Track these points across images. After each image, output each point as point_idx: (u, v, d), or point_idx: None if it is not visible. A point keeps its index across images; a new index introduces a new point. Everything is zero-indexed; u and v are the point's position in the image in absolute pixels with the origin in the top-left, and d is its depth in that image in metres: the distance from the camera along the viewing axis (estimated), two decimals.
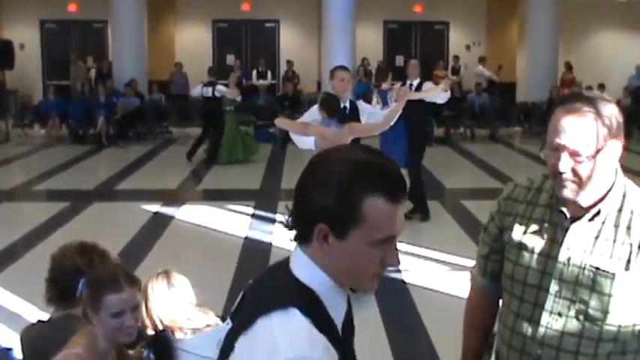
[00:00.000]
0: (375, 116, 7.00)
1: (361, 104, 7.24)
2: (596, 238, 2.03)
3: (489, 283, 2.33)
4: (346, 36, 17.34)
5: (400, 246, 1.57)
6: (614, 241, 2.02)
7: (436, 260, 7.29)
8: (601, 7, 22.19)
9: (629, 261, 1.99)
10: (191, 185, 11.93)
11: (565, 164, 1.96)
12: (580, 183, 1.98)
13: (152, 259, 7.19)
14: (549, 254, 2.08)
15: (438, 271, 6.99)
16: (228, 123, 13.48)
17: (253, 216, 9.23)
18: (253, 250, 7.75)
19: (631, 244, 2.00)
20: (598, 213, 2.04)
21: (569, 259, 2.04)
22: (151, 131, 16.98)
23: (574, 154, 1.94)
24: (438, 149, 15.14)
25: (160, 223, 8.96)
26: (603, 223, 2.04)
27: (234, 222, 8.89)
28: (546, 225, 2.11)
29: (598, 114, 1.95)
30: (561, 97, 2.14)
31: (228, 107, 13.53)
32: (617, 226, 2.03)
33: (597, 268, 2.00)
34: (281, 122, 7.73)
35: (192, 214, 9.34)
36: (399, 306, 6.21)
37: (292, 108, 15.98)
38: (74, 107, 16.41)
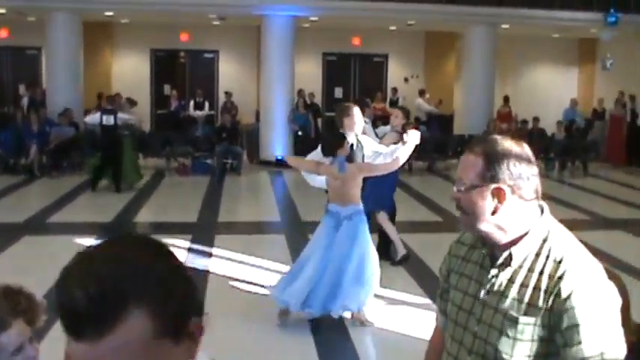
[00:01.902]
0: (380, 155, 6.87)
1: (365, 140, 7.11)
2: (511, 282, 2.06)
3: (445, 319, 2.35)
4: (285, 67, 17.36)
5: None
6: (527, 287, 2.03)
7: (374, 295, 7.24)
8: (536, 43, 22.78)
9: (533, 306, 2.01)
10: (127, 218, 11.68)
11: (454, 194, 2.10)
12: (466, 216, 2.08)
13: None
14: (475, 296, 2.15)
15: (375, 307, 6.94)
16: (125, 147, 13.44)
17: (190, 250, 9.06)
18: None
19: (538, 289, 2.01)
20: (511, 257, 2.07)
21: (486, 302, 2.10)
22: (85, 161, 16.63)
23: (456, 185, 2.09)
24: None
25: None
26: (520, 267, 2.07)
27: None
28: (478, 268, 2.18)
29: (485, 155, 2.05)
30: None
31: (126, 132, 13.53)
32: (531, 270, 2.05)
33: (505, 313, 2.04)
34: (292, 160, 7.66)
35: None
36: (337, 340, 6.13)
37: (230, 139, 15.87)
38: (5, 136, 15.96)
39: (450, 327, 2.23)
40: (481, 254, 2.18)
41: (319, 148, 6.68)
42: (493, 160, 2.04)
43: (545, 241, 2.07)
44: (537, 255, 2.05)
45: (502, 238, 2.08)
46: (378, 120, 18.02)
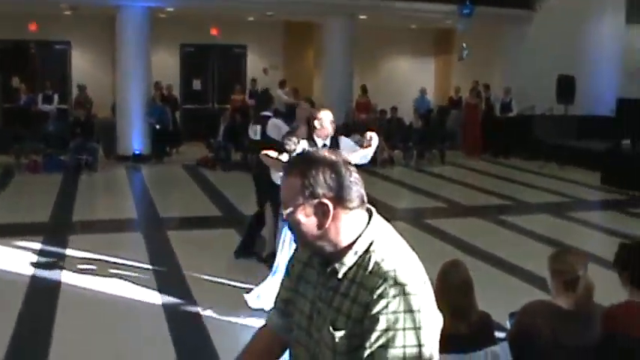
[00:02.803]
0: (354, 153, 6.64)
1: (343, 139, 6.90)
2: (335, 292, 2.06)
3: (284, 323, 2.32)
4: (141, 59, 16.93)
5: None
6: (346, 297, 2.02)
7: (230, 291, 7.19)
8: (394, 33, 23.33)
9: (349, 317, 2.00)
10: None
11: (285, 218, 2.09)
12: (297, 236, 2.09)
13: None
14: (313, 302, 2.14)
15: (235, 302, 6.88)
16: None
17: (41, 252, 8.65)
18: (40, 291, 7.26)
19: (355, 301, 2.00)
20: (335, 270, 2.06)
21: (319, 310, 2.10)
22: None
23: (283, 209, 2.07)
24: (237, 175, 15.11)
25: None
26: (345, 277, 2.05)
27: (19, 260, 8.28)
28: (317, 275, 2.16)
29: (300, 173, 2.02)
30: None
31: None
32: (353, 281, 2.03)
33: (330, 325, 2.03)
34: (267, 159, 7.05)
35: None
36: (193, 339, 6.03)
37: (85, 134, 15.32)
38: None
39: (296, 331, 2.21)
40: (319, 266, 2.17)
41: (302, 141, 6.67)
42: (308, 176, 2.01)
43: (367, 251, 2.04)
44: (359, 266, 2.03)
45: (332, 251, 2.06)
46: (236, 112, 18.00)
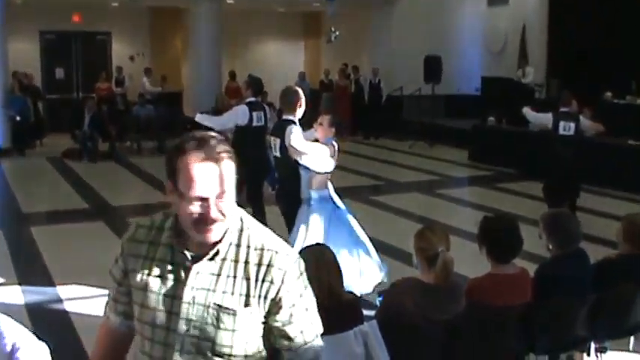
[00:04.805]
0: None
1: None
2: (218, 275, 2.07)
3: (124, 320, 2.27)
4: None
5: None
6: (235, 277, 2.07)
7: (99, 286, 6.91)
8: (262, 18, 23.18)
9: (247, 295, 2.06)
10: None
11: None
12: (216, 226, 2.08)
13: None
14: (174, 295, 2.09)
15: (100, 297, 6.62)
16: None
17: None
18: None
19: (248, 279, 2.06)
20: (217, 252, 2.08)
21: (194, 299, 2.06)
22: None
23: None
24: (104, 165, 14.66)
25: None
26: (223, 260, 2.07)
27: None
28: (169, 266, 2.12)
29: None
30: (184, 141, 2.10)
31: None
32: (236, 261, 2.07)
33: (220, 306, 2.05)
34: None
35: None
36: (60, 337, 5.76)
37: None
38: None
39: (147, 329, 2.13)
40: (168, 251, 2.13)
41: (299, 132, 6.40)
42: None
43: (241, 230, 2.11)
44: (238, 245, 2.08)
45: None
46: (102, 101, 17.44)
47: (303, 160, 6.44)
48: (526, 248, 4.05)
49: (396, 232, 8.78)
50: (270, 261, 2.06)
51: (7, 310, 6.24)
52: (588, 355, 4.33)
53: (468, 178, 14.03)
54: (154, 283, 2.12)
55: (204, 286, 2.06)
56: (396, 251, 7.94)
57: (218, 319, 2.05)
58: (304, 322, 2.13)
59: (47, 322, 6.12)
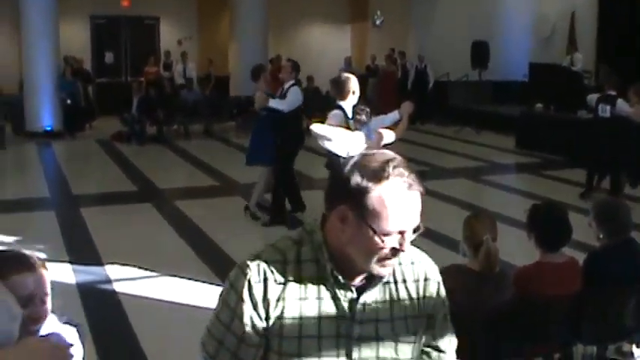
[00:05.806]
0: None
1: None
2: (383, 302, 1.91)
3: None
4: (49, 32, 16.25)
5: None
6: (399, 300, 1.93)
7: (147, 268, 7.02)
8: (308, 2, 23.11)
9: (417, 316, 1.96)
10: None
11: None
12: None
13: None
14: (338, 334, 1.86)
15: (148, 278, 6.72)
16: None
17: None
18: None
19: (413, 298, 1.96)
20: (381, 277, 1.89)
21: (361, 335, 1.88)
22: None
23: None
24: (152, 148, 14.83)
25: None
26: (385, 284, 1.93)
27: None
28: (330, 302, 1.86)
29: None
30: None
31: None
32: (395, 282, 1.95)
33: (397, 336, 1.92)
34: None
35: None
36: (108, 316, 5.88)
37: None
38: None
39: None
40: (321, 286, 1.86)
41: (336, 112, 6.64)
42: None
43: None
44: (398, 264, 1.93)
45: None
46: (150, 85, 17.59)
47: (326, 145, 6.50)
48: (575, 237, 4.01)
49: (441, 219, 8.72)
50: (425, 275, 1.96)
51: (60, 288, 6.43)
52: (637, 346, 4.28)
53: (515, 165, 13.87)
54: (312, 327, 1.85)
55: (372, 317, 1.88)
56: (442, 238, 7.89)
57: (396, 350, 1.91)
58: (450, 332, 2.06)
59: (96, 300, 6.24)
